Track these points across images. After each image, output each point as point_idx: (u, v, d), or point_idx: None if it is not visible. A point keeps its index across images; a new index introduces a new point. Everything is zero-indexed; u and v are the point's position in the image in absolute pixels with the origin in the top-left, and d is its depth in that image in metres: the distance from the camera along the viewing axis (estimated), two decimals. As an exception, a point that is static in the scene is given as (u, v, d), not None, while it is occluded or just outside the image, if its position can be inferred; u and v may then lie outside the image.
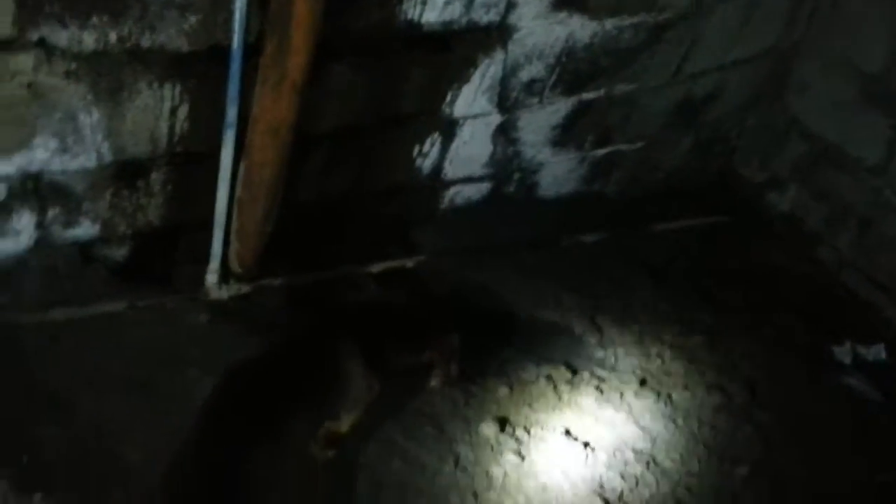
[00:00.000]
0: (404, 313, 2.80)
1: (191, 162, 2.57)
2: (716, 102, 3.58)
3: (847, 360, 3.19)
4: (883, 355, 3.22)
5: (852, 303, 3.46)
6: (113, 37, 2.22)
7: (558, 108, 3.19)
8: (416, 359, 2.68)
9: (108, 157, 2.43)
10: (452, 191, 3.28)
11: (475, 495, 2.47)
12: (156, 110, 2.40)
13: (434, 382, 2.72)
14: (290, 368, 2.39)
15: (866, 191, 3.39)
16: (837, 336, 3.28)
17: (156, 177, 2.56)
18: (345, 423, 2.41)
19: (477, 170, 3.25)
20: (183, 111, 2.44)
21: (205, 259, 2.71)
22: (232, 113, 2.41)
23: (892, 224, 3.32)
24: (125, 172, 2.49)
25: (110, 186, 2.50)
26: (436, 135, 3.01)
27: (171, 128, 2.46)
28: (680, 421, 2.83)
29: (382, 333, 2.60)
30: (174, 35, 2.29)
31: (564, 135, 3.29)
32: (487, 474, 2.53)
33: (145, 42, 2.26)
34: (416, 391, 2.69)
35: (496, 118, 3.08)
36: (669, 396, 2.91)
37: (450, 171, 3.18)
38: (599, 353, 3.03)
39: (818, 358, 3.21)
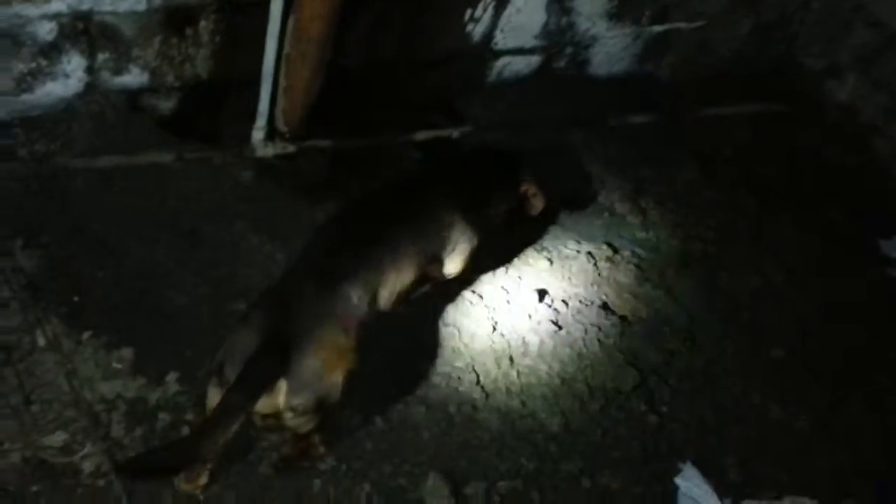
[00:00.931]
0: (484, 159, 2.73)
1: (240, 12, 2.53)
2: (782, -20, 3.42)
3: (894, 253, 3.14)
4: (931, 251, 3.16)
5: (904, 197, 3.38)
6: None
7: (618, -24, 3.07)
8: (513, 197, 2.63)
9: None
10: (501, 62, 3.20)
11: (511, 359, 2.51)
12: (205, -49, 2.35)
13: (534, 210, 2.71)
14: (385, 215, 2.32)
15: (930, 82, 3.26)
16: (886, 229, 3.22)
17: (204, 25, 2.52)
18: (448, 269, 2.44)
19: (528, 41, 3.16)
20: (233, -46, 2.39)
21: (251, 117, 2.69)
22: (283, -41, 2.35)
23: (953, 118, 3.21)
24: (174, 19, 2.46)
25: (159, 32, 2.47)
26: (490, -1, 2.92)
27: (210, -27, 2.41)
28: (719, 302, 2.82)
29: (473, 182, 2.54)
30: None
31: (622, 6, 3.17)
32: (524, 340, 2.57)
33: None
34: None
35: (553, -17, 2.98)
36: (710, 278, 2.90)
37: (500, 40, 3.09)
38: (641, 234, 3.01)
39: (864, 250, 3.16)
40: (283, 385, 1.87)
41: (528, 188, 2.66)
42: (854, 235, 3.21)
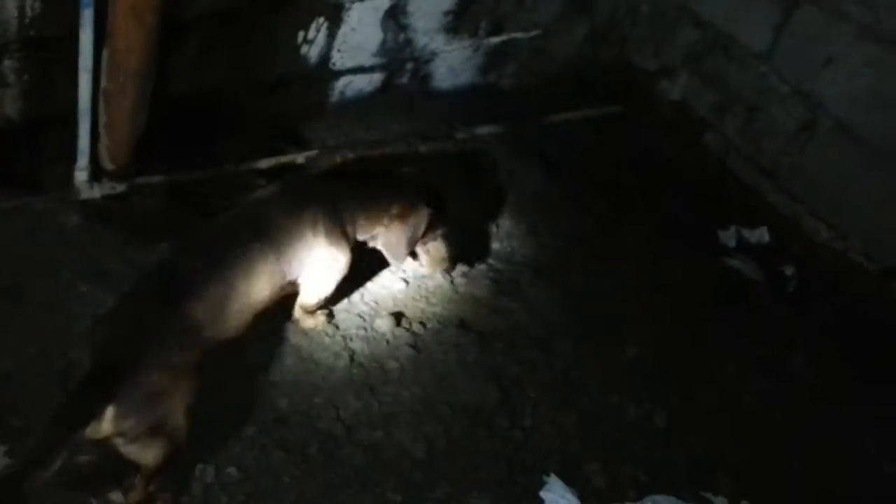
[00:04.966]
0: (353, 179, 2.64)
1: (47, 48, 2.35)
2: (610, -11, 3.52)
3: (732, 243, 3.29)
4: (766, 238, 3.33)
5: (737, 188, 3.53)
6: None
7: (449, -9, 3.07)
8: (386, 217, 2.50)
9: (-51, 42, 2.19)
10: (342, 82, 3.14)
11: (371, 389, 2.45)
12: (0, -12, 2.17)
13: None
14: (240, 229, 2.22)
15: (753, 77, 3.43)
16: (723, 220, 3.36)
17: (9, 65, 2.33)
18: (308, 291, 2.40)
19: (367, 59, 3.11)
20: (33, -10, 2.21)
21: (73, 157, 2.51)
22: (88, -9, 2.19)
23: (776, 110, 3.38)
24: (-28, 61, 2.26)
25: (-44, 77, 2.27)
26: (321, 20, 2.85)
27: (21, 8, 2.23)
28: (573, 307, 2.86)
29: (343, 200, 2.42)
30: None
31: (457, 21, 3.18)
32: (383, 368, 2.52)
33: None
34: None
35: (384, 2, 2.94)
36: (563, 284, 2.94)
37: (338, 60, 3.03)
38: (495, 245, 3.03)
39: (705, 241, 3.29)
40: (110, 411, 1.78)
41: (401, 209, 2.50)
42: (695, 227, 3.33)
